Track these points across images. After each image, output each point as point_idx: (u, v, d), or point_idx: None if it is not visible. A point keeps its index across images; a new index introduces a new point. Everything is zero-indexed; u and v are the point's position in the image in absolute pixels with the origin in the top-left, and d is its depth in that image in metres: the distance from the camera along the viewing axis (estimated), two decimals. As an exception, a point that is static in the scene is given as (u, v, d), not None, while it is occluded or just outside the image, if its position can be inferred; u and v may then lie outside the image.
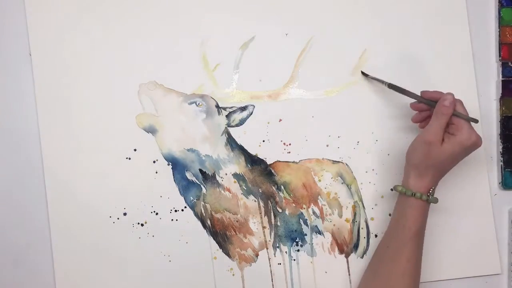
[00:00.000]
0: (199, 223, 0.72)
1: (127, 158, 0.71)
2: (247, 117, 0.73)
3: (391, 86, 0.69)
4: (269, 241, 0.73)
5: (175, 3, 0.73)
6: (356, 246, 0.73)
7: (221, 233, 0.72)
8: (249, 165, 0.73)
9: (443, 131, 0.64)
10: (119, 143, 0.71)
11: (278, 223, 0.73)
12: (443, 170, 0.66)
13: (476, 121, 0.65)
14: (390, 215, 0.73)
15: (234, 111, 0.73)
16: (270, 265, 0.72)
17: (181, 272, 0.71)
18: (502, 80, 0.75)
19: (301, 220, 0.73)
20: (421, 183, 0.65)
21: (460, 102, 0.65)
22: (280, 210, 0.73)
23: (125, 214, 0.71)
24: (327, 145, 0.73)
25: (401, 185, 0.67)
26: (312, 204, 0.73)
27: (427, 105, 0.67)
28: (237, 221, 0.72)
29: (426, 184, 0.65)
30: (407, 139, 0.74)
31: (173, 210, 0.72)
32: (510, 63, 0.75)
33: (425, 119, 0.69)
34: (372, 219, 0.73)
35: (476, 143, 0.64)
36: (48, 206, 0.70)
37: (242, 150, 0.73)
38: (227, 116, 0.73)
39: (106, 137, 0.71)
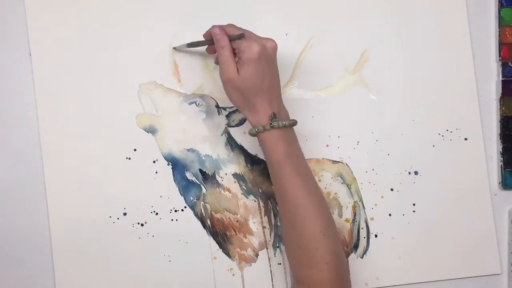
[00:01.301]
0: (199, 223, 0.72)
1: (127, 158, 0.71)
2: (247, 117, 0.72)
3: (189, 45, 0.68)
4: (269, 241, 0.73)
5: (175, 3, 0.73)
6: (356, 246, 0.73)
7: (221, 233, 0.72)
8: (249, 165, 0.73)
9: (233, 62, 0.61)
10: (119, 143, 0.71)
11: (278, 223, 0.73)
12: (264, 91, 0.62)
13: (242, 36, 0.61)
14: (390, 215, 0.73)
15: (234, 111, 0.72)
16: (270, 265, 0.72)
17: (181, 272, 0.71)
18: (502, 80, 0.75)
19: (301, 220, 0.73)
20: (257, 116, 0.62)
21: (231, 25, 0.63)
22: (280, 210, 0.73)
23: (125, 214, 0.71)
24: (327, 145, 0.73)
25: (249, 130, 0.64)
26: (312, 204, 0.73)
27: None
28: (237, 221, 0.72)
29: (262, 114, 0.62)
30: (407, 139, 0.74)
31: (173, 210, 0.72)
32: (510, 63, 0.75)
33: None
34: (372, 219, 0.73)
35: (262, 49, 0.60)
36: (48, 206, 0.70)
37: (242, 150, 0.73)
38: (227, 116, 0.73)
39: (106, 137, 0.71)
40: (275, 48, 0.62)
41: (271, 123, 0.62)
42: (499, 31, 0.75)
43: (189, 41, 0.69)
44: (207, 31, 0.66)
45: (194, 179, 0.72)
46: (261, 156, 0.73)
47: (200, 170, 0.72)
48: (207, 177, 0.72)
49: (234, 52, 0.63)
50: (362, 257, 0.73)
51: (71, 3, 0.72)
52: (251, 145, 0.73)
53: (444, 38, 0.75)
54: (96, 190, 0.71)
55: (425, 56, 0.74)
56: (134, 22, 0.72)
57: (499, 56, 0.75)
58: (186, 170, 0.72)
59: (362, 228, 0.73)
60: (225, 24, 0.64)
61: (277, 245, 0.73)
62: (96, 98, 0.71)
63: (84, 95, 0.71)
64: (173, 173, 0.72)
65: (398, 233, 0.73)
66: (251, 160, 0.73)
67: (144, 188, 0.71)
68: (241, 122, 0.72)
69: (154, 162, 0.72)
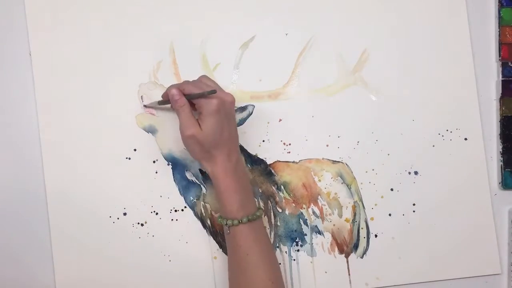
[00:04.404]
0: (199, 223, 0.72)
1: (127, 158, 0.71)
2: (247, 117, 0.73)
3: (160, 102, 0.69)
4: (269, 241, 0.72)
5: (175, 3, 0.73)
6: (356, 246, 0.73)
7: (221, 233, 0.72)
8: (249, 165, 0.73)
9: (193, 119, 0.63)
10: (119, 143, 0.71)
11: (278, 223, 0.73)
12: (223, 143, 0.64)
13: (213, 91, 0.62)
14: (390, 215, 0.73)
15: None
16: (270, 265, 0.72)
17: (181, 272, 0.71)
18: (502, 80, 0.75)
19: (301, 220, 0.73)
20: (215, 167, 0.64)
21: (187, 82, 0.65)
22: (280, 210, 0.73)
23: (125, 214, 0.71)
24: (327, 145, 0.73)
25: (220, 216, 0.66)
26: (312, 204, 0.73)
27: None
28: (237, 221, 0.72)
29: (219, 165, 0.64)
30: (407, 139, 0.74)
31: (173, 210, 0.72)
32: (510, 63, 0.75)
33: None
34: (372, 219, 0.73)
35: (220, 103, 0.62)
36: (48, 206, 0.70)
37: (242, 150, 0.72)
38: (227, 116, 0.72)
39: (106, 137, 0.71)
40: (233, 102, 0.64)
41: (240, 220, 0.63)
42: (499, 31, 0.75)
43: (159, 99, 0.69)
44: (165, 92, 0.66)
45: (194, 179, 0.72)
46: (261, 156, 0.73)
47: (200, 170, 0.72)
48: (207, 177, 0.72)
49: (194, 108, 0.64)
50: (362, 257, 0.73)
51: (71, 3, 0.72)
52: (251, 145, 0.73)
53: (444, 38, 0.75)
54: (96, 190, 0.71)
55: (425, 56, 0.74)
56: (134, 21, 0.72)
57: (499, 56, 0.75)
58: (186, 170, 0.72)
59: (362, 228, 0.73)
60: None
61: (277, 245, 0.72)
62: (96, 98, 0.71)
63: (84, 95, 0.71)
64: (173, 173, 0.72)
65: (398, 233, 0.73)
66: (251, 160, 0.73)
67: (144, 188, 0.71)
68: (241, 122, 0.72)
69: (154, 162, 0.72)
